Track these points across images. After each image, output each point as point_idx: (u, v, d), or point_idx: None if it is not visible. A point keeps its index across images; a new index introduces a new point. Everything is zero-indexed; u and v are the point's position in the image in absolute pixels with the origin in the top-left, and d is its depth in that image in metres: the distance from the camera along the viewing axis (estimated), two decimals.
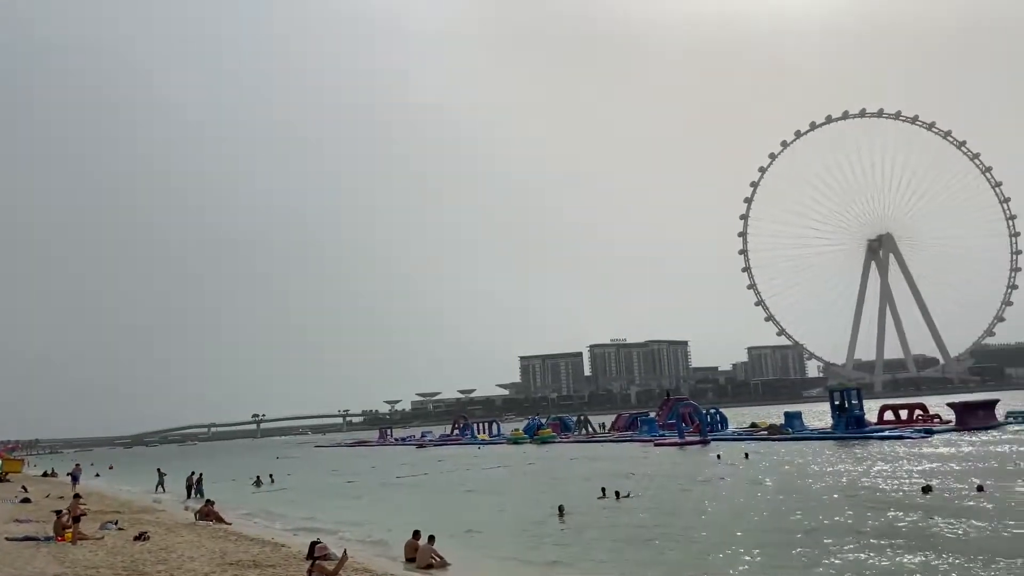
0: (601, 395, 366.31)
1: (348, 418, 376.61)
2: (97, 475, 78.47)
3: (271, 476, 54.95)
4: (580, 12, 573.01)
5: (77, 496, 27.05)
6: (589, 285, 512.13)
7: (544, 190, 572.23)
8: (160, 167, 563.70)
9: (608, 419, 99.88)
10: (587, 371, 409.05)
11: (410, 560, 19.58)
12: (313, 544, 17.38)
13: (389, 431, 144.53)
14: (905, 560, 15.98)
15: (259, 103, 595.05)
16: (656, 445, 61.38)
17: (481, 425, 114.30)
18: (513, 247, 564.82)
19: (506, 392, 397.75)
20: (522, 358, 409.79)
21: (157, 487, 51.13)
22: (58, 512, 25.86)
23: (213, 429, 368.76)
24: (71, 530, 23.68)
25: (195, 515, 30.13)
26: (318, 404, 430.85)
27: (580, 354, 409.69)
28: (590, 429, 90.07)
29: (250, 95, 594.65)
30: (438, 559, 19.13)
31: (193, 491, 44.28)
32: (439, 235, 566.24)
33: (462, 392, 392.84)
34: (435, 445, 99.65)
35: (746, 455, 44.25)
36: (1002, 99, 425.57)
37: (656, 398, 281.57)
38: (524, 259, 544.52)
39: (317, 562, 14.16)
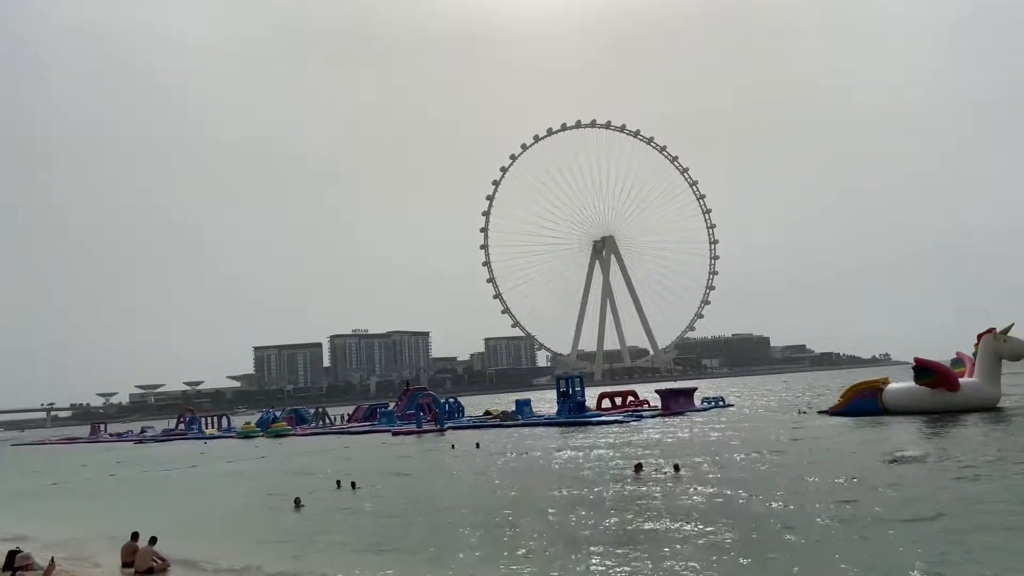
0: (340, 386, 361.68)
1: (53, 412, 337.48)
2: None
3: None
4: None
5: None
6: (335, 277, 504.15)
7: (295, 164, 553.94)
8: None
9: (347, 411, 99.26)
10: (326, 362, 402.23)
11: (127, 564, 18.42)
12: (11, 553, 15.84)
13: (103, 427, 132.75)
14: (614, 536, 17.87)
15: None
16: (394, 435, 62.13)
17: (209, 419, 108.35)
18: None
19: (238, 384, 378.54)
20: (256, 348, 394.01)
21: None
22: None
23: None
24: None
25: None
26: (15, 396, 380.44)
27: (319, 344, 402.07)
28: (328, 421, 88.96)
29: None
30: (159, 561, 18.18)
31: None
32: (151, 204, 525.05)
33: (188, 384, 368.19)
34: (157, 441, 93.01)
35: (477, 444, 46.25)
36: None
37: (396, 389, 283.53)
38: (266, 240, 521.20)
39: (18, 573, 12.95)
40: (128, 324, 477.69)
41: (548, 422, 60.18)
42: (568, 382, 64.39)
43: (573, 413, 60.45)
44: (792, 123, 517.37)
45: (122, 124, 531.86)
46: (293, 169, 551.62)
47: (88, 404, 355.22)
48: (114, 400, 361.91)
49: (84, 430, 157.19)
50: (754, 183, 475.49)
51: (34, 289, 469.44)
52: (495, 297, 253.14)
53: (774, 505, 19.85)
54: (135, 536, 19.04)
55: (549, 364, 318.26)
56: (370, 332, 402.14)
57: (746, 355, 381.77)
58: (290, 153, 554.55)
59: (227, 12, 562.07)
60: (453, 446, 47.35)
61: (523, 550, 16.83)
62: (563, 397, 62.66)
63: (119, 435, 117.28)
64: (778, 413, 56.50)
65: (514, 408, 67.18)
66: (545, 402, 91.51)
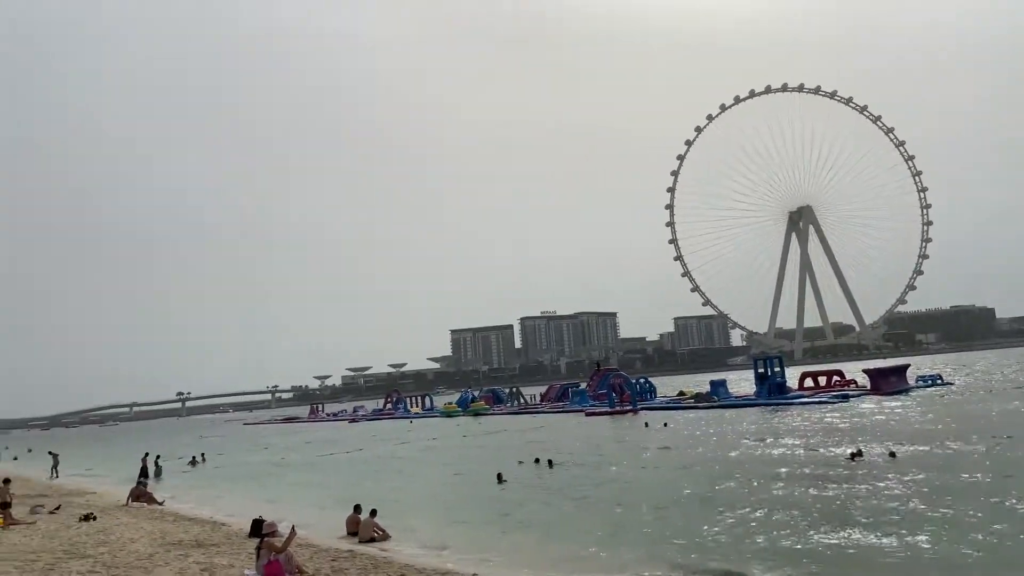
0: (531, 367, 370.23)
1: (277, 394, 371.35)
2: (15, 458, 76.16)
3: (203, 456, 54.27)
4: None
5: (6, 481, 26.50)
6: (518, 258, 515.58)
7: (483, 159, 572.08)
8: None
9: (539, 391, 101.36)
10: (517, 343, 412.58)
11: (352, 534, 20.01)
12: (257, 522, 17.66)
13: (320, 407, 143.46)
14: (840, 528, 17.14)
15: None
16: (587, 415, 62.95)
17: (414, 399, 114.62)
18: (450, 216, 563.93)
19: (437, 366, 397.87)
20: (452, 331, 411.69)
21: (52, 471, 49.48)
22: None
23: (135, 408, 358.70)
24: (1, 516, 23.32)
25: (128, 498, 29.85)
26: (246, 381, 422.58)
27: (511, 327, 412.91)
28: (522, 400, 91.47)
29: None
30: (380, 532, 19.62)
31: (151, 473, 43.67)
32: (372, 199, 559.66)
33: (393, 366, 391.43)
34: (368, 420, 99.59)
35: (665, 424, 45.90)
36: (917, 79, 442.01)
37: (586, 369, 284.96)
38: (456, 231, 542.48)
39: (266, 539, 14.46)
40: (338, 312, 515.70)
41: (746, 403, 58.43)
42: (767, 362, 62.42)
43: (773, 394, 58.43)
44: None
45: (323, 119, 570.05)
46: (472, 158, 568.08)
47: (306, 386, 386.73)
48: (328, 382, 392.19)
49: (304, 410, 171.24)
50: (969, 140, 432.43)
51: (256, 292, 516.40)
52: (684, 275, 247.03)
53: None
54: (358, 508, 20.62)
55: (744, 343, 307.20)
56: (558, 314, 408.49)
57: (966, 329, 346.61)
58: (464, 145, 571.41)
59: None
60: (647, 424, 47.30)
61: (729, 537, 16.54)
62: (761, 378, 60.78)
63: (334, 414, 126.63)
64: (1008, 392, 51.50)
65: (709, 389, 65.92)
66: (742, 383, 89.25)
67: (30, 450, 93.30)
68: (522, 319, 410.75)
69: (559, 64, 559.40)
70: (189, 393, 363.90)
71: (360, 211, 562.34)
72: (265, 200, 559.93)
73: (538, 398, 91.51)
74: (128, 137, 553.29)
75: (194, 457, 52.68)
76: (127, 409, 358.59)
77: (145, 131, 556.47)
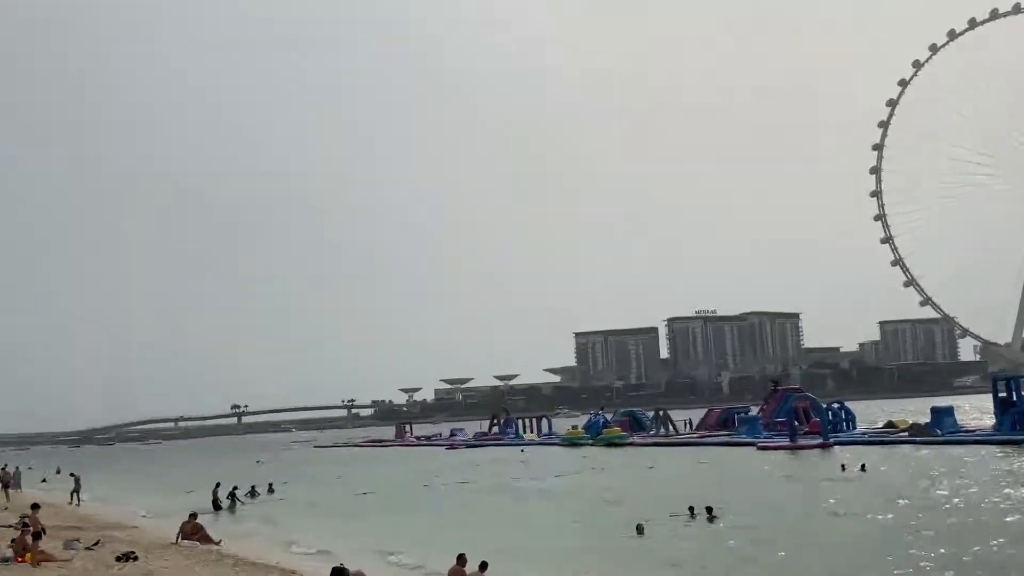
0: (683, 384, 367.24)
1: (354, 410, 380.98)
2: (44, 480, 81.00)
3: (269, 486, 56.30)
4: None
5: (35, 506, 28.44)
6: (661, 245, 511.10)
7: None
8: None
9: (694, 415, 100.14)
10: (663, 352, 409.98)
11: None
12: (337, 571, 18.30)
13: (408, 427, 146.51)
14: None
15: None
16: (760, 449, 61.96)
17: (527, 421, 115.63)
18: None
19: (557, 379, 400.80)
20: (578, 335, 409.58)
21: (72, 496, 52.29)
22: (23, 525, 27.20)
23: (182, 423, 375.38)
24: (32, 550, 24.93)
25: (177, 535, 31.38)
26: (315, 393, 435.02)
27: (655, 330, 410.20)
28: (671, 428, 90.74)
29: None
30: None
31: (225, 507, 46.27)
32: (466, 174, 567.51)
33: (500, 378, 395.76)
34: (469, 446, 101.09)
35: (862, 467, 44.61)
36: None
37: (757, 388, 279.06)
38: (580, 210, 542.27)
39: None
40: (432, 310, 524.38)
41: (982, 439, 56.11)
42: (1012, 384, 59.39)
43: (1021, 427, 55.84)
44: None
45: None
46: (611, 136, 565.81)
47: (390, 401, 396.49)
48: (418, 396, 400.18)
49: (386, 431, 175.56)
50: None
51: (338, 289, 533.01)
52: (895, 264, 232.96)
53: None
54: (462, 559, 20.96)
55: (978, 358, 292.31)
56: (719, 314, 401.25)
57: None
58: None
59: None
60: (843, 467, 45.98)
61: None
62: (1004, 404, 58.08)
63: (427, 438, 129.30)
64: None
65: (929, 419, 63.55)
66: (974, 411, 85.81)
67: (59, 471, 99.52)
68: (670, 320, 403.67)
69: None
70: (246, 406, 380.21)
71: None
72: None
73: (692, 425, 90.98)
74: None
75: (254, 487, 54.85)
76: (172, 424, 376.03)
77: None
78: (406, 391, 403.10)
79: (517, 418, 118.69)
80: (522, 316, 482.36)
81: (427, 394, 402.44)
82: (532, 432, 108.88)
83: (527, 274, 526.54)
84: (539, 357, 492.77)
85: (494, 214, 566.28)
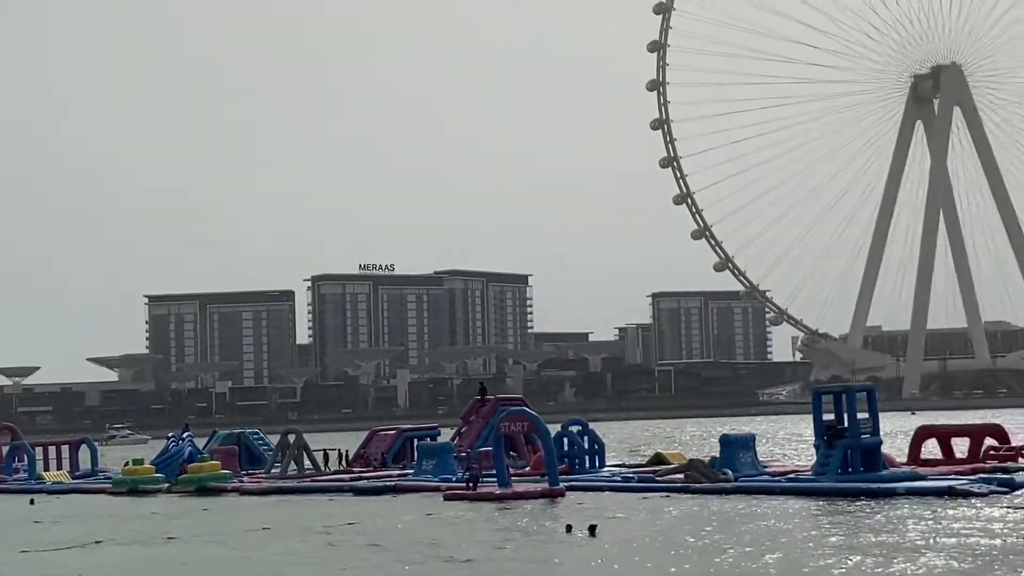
0: (332, 387, 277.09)
1: None
2: None
3: None
4: None
5: None
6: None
7: None
8: None
9: (349, 440, 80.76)
10: (302, 334, 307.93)
11: None
12: None
13: None
14: None
15: None
16: (448, 498, 43.72)
17: (52, 450, 76.79)
18: None
19: (113, 376, 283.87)
20: (152, 300, 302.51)
21: None
22: None
23: None
24: None
25: None
26: None
27: (289, 296, 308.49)
28: (308, 461, 62.93)
29: None
30: None
31: None
32: None
33: (6, 373, 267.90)
34: None
35: (592, 529, 29.59)
36: None
37: (454, 397, 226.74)
38: None
39: None
40: None
41: (794, 488, 41.72)
42: (843, 398, 44.78)
43: (853, 469, 41.57)
44: None
45: None
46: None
47: None
48: None
49: None
50: None
51: None
52: (681, 201, 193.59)
53: None
54: None
55: (800, 356, 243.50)
56: (398, 272, 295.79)
57: None
58: None
59: None
60: (569, 528, 30.62)
61: None
62: (832, 433, 43.06)
63: None
64: None
65: (717, 453, 48.33)
66: (786, 440, 77.31)
67: None
68: (316, 279, 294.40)
69: None
70: None
71: None
72: None
73: (345, 457, 67.21)
74: None
75: None
76: None
77: None
78: None
79: (36, 445, 79.29)
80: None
81: None
82: (61, 469, 74.96)
83: None
84: (83, 338, 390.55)
85: None
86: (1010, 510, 32.66)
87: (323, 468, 62.25)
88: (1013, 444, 51.49)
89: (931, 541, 26.22)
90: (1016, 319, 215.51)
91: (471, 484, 42.75)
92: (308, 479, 58.35)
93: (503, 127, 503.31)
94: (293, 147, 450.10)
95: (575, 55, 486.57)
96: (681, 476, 46.64)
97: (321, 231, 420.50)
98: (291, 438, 62.67)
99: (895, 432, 63.42)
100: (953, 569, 22.42)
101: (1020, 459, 48.83)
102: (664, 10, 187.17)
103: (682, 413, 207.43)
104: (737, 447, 48.00)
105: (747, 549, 26.51)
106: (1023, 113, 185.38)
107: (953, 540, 26.05)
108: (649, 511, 36.77)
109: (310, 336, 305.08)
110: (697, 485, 43.67)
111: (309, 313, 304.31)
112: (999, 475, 42.42)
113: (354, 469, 61.27)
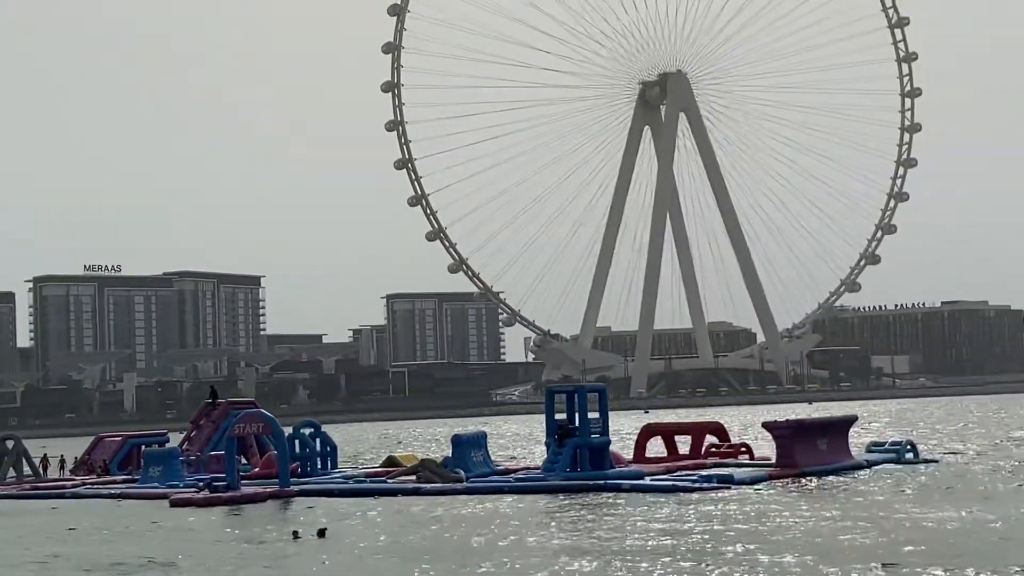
0: (54, 392, 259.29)
1: None
2: None
3: None
4: None
5: None
6: None
7: None
8: None
9: (71, 447, 77.88)
10: (23, 337, 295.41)
11: None
12: None
13: None
14: None
15: None
16: (174, 504, 43.05)
17: None
18: None
19: None
20: None
21: None
22: None
23: None
24: None
25: None
26: None
27: (10, 297, 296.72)
28: (28, 468, 61.62)
29: None
30: None
31: None
32: None
33: None
34: None
35: (321, 532, 29.68)
36: None
37: (184, 401, 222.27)
38: None
39: None
40: None
41: (523, 487, 42.73)
42: (573, 398, 46.51)
43: (582, 467, 43.64)
44: None
45: None
46: None
47: None
48: None
49: None
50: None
51: None
52: (416, 203, 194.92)
53: None
54: None
55: (532, 357, 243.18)
56: (125, 273, 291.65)
57: (973, 346, 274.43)
58: None
59: None
60: (296, 534, 29.98)
61: None
62: (562, 432, 44.72)
63: None
64: None
65: (450, 452, 49.33)
66: (520, 440, 79.51)
67: None
68: (38, 280, 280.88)
69: None
70: None
71: None
72: None
73: (65, 464, 65.96)
74: None
75: None
76: None
77: None
78: None
79: None
80: None
81: None
82: None
83: None
84: None
85: None
86: (720, 510, 33.25)
87: (42, 475, 60.74)
88: (732, 442, 54.26)
89: (646, 540, 26.14)
90: (737, 320, 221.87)
91: (209, 491, 42.64)
92: (27, 484, 57.00)
93: (232, 125, 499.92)
94: (9, 142, 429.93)
95: (309, 55, 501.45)
96: (413, 477, 46.95)
97: (43, 230, 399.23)
98: (10, 444, 60.94)
99: (625, 431, 63.51)
100: (662, 551, 23.41)
101: (739, 456, 51.37)
102: (398, 12, 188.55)
103: (417, 414, 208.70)
104: (468, 446, 48.62)
105: (474, 535, 27.74)
106: (745, 119, 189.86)
107: (668, 539, 25.91)
108: (381, 513, 36.73)
109: (31, 339, 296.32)
110: (429, 485, 44.10)
111: (31, 315, 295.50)
112: (713, 471, 44.71)
113: (76, 477, 59.70)
